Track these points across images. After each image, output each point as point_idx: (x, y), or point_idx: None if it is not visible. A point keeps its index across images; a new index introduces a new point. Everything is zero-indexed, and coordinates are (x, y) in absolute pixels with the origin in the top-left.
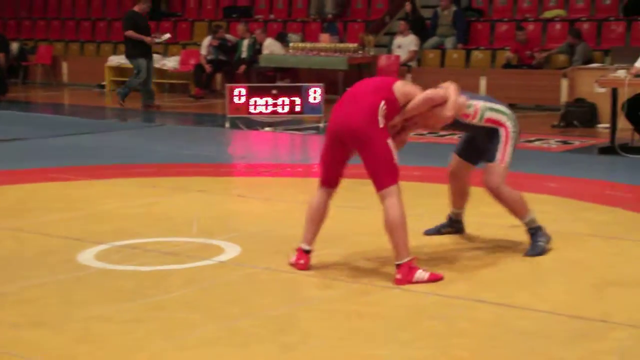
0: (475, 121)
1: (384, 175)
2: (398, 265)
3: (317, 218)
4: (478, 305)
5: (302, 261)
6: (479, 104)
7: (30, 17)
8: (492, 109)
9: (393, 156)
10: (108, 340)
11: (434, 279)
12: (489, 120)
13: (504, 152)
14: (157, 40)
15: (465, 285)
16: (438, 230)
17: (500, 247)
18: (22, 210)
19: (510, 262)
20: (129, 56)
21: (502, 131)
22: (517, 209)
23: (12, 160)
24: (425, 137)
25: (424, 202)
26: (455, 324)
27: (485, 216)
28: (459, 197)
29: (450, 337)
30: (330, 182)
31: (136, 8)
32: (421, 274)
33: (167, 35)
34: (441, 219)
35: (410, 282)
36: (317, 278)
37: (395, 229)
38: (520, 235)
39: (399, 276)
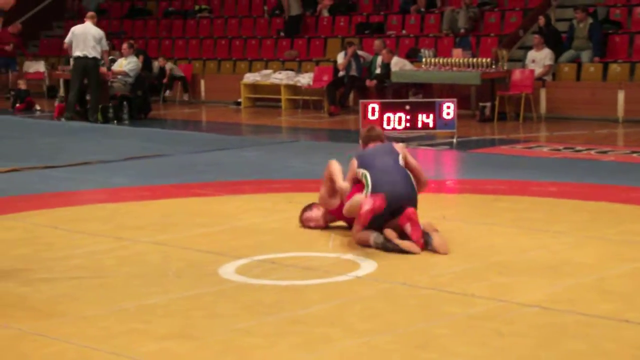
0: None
1: None
2: None
3: None
4: (623, 325)
5: None
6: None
7: (169, 36)
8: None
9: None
10: (252, 354)
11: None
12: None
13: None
14: None
15: (611, 305)
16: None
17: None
18: (166, 224)
19: None
20: None
21: None
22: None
23: (156, 176)
24: (561, 152)
25: (561, 219)
26: (599, 344)
27: (630, 234)
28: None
29: (593, 358)
30: None
31: None
32: None
33: None
34: (579, 236)
35: None
36: (456, 295)
37: None
38: None
39: None
